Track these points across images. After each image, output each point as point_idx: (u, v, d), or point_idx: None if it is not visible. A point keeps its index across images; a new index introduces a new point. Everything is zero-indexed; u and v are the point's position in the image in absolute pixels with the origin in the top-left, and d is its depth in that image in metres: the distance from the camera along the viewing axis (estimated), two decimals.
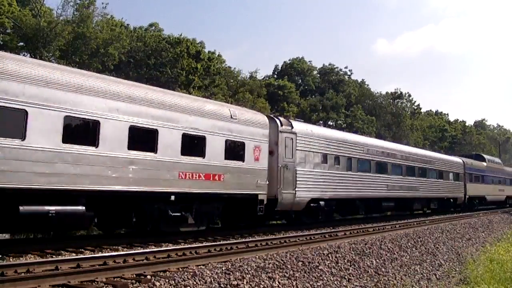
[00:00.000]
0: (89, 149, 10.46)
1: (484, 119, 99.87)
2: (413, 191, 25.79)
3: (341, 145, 19.87)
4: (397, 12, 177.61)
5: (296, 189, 16.69)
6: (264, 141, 15.64)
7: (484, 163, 39.36)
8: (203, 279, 7.71)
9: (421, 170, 27.24)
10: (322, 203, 18.30)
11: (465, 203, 33.85)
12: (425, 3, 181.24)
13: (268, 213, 16.06)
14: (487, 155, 44.64)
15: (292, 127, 17.08)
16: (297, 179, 16.76)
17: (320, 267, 9.79)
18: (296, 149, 16.92)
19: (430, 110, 76.06)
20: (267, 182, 15.57)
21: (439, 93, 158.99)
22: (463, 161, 34.33)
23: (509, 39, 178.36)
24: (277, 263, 9.41)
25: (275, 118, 17.19)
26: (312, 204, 17.79)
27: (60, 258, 9.24)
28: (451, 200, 31.80)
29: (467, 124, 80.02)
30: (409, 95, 62.15)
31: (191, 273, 7.94)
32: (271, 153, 16.10)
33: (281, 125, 16.68)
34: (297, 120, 19.41)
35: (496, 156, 70.70)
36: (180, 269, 8.59)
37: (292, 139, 16.85)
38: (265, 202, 15.37)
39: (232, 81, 38.01)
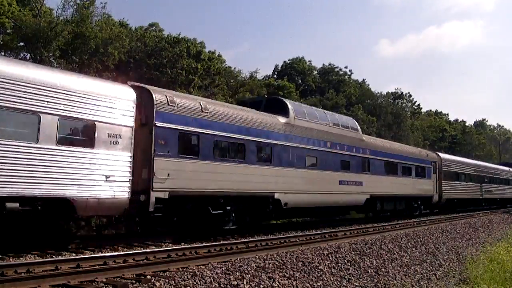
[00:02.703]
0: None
1: (484, 119, 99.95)
2: None
3: None
4: (400, 13, 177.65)
5: None
6: None
7: (281, 119, 17.06)
8: (203, 279, 7.71)
9: None
10: None
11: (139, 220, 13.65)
12: (428, 5, 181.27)
13: None
14: (293, 101, 20.52)
15: None
16: None
17: (320, 267, 9.79)
18: None
19: (430, 110, 76.07)
20: None
21: (439, 93, 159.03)
22: (148, 95, 12.65)
23: (509, 39, 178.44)
24: (277, 263, 9.41)
25: None
26: None
27: (60, 258, 9.25)
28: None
29: (467, 124, 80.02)
30: (410, 95, 62.25)
31: (191, 273, 7.95)
32: None
33: None
34: None
35: (495, 157, 70.00)
36: (180, 269, 8.60)
37: None
38: None
39: (232, 81, 37.98)
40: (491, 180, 39.58)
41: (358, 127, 22.57)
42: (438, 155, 31.20)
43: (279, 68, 57.13)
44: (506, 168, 46.12)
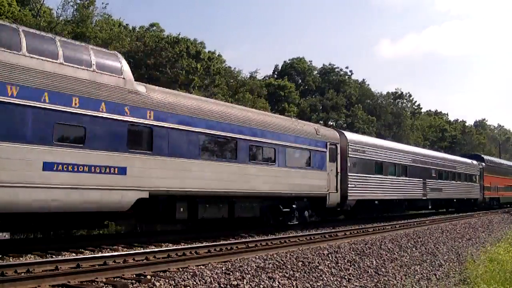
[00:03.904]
0: None
1: (484, 119, 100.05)
2: None
3: None
4: (400, 13, 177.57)
5: None
6: None
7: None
8: (203, 279, 7.71)
9: None
10: None
11: None
12: (428, 6, 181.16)
13: None
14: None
15: None
16: None
17: (320, 267, 9.79)
18: None
19: (430, 110, 76.15)
20: None
21: (439, 93, 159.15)
22: None
23: (510, 39, 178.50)
24: (277, 263, 9.41)
25: None
26: None
27: (60, 258, 9.24)
28: None
29: (467, 124, 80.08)
30: (410, 95, 62.27)
31: (191, 273, 7.95)
32: None
33: None
34: None
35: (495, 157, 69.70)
36: (180, 269, 8.59)
37: None
38: None
39: (232, 81, 38.02)
40: (442, 175, 29.84)
41: (123, 65, 12.01)
42: (342, 134, 20.50)
43: (279, 68, 57.16)
44: (468, 161, 35.93)
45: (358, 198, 20.68)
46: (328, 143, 18.85)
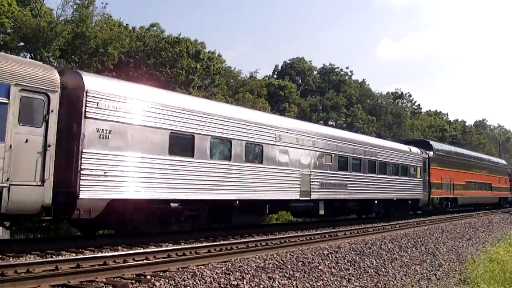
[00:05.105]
0: None
1: (484, 119, 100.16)
2: None
3: None
4: (401, 14, 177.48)
5: None
6: None
7: None
8: (203, 279, 7.72)
9: None
10: None
11: None
12: (429, 5, 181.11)
13: None
14: None
15: None
16: None
17: (320, 267, 9.79)
18: None
19: (430, 110, 76.14)
20: None
21: (439, 93, 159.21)
22: None
23: (510, 39, 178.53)
24: (277, 263, 9.42)
25: None
26: None
27: (60, 258, 9.26)
28: None
29: (467, 124, 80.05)
30: (410, 95, 62.30)
31: (191, 273, 7.95)
32: None
33: None
34: None
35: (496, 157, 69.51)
36: (180, 269, 8.60)
37: None
38: None
39: (232, 81, 37.98)
40: (347, 165, 20.11)
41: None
42: (74, 75, 11.40)
43: (279, 68, 57.17)
44: (401, 147, 25.99)
45: (113, 197, 11.31)
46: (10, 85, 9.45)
